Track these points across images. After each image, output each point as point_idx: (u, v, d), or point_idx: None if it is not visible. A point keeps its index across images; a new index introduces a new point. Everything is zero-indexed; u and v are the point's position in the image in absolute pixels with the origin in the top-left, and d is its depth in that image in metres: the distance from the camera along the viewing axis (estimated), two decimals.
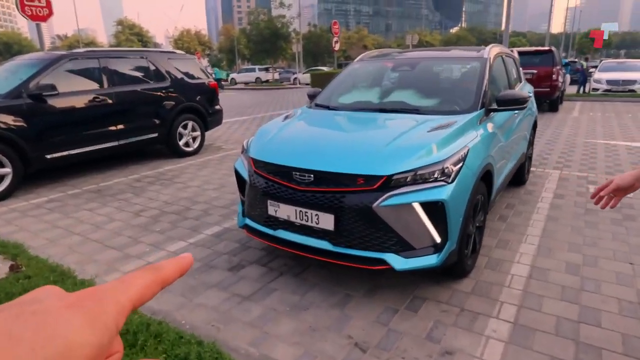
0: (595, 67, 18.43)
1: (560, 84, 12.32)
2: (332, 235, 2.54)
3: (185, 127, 6.98)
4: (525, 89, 4.75)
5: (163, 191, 5.04)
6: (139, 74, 6.32)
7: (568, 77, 17.65)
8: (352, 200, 2.44)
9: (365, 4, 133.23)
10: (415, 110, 3.30)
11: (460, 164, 2.53)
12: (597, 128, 9.04)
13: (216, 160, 6.73)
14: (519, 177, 4.77)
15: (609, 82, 15.81)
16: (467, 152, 2.62)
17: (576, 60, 32.64)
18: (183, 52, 7.44)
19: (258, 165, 2.89)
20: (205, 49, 56.79)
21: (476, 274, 2.92)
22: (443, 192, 2.40)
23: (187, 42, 52.24)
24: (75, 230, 3.86)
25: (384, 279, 2.84)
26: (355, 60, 4.62)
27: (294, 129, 3.32)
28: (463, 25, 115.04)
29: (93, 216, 4.21)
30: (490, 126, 3.16)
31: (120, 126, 5.94)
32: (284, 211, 2.69)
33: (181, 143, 6.94)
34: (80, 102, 5.47)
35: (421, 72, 4.04)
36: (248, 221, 3.01)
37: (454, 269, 2.75)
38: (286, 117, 3.59)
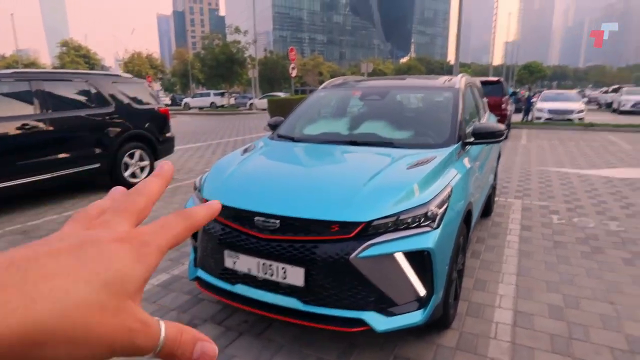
0: (531, 97, 19.90)
1: (509, 112, 12.86)
2: (302, 292, 2.18)
3: (131, 156, 6.41)
4: (491, 120, 4.70)
5: None
6: (78, 99, 5.73)
7: (513, 106, 18.63)
8: (325, 250, 2.11)
9: (319, 32, 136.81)
10: (389, 143, 3.05)
11: (445, 206, 2.27)
12: (546, 156, 9.36)
13: (167, 193, 6.19)
14: (486, 209, 4.65)
15: (550, 111, 16.84)
16: (451, 192, 2.38)
17: (517, 90, 34.83)
18: (130, 76, 6.91)
19: None
20: (157, 72, 55.36)
21: (459, 323, 2.65)
22: (429, 240, 2.12)
23: (137, 66, 50.70)
24: None
25: (361, 337, 2.49)
26: (320, 87, 4.35)
27: (255, 165, 2.96)
28: (412, 55, 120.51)
29: None
30: (467, 160, 2.97)
31: (56, 156, 5.31)
32: (244, 263, 2.31)
33: (127, 174, 6.34)
34: (6, 129, 4.82)
35: (392, 102, 3.84)
36: (201, 273, 2.59)
37: (438, 321, 2.46)
38: (245, 151, 3.22)
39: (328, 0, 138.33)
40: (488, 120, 4.51)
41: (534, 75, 63.47)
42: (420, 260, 2.10)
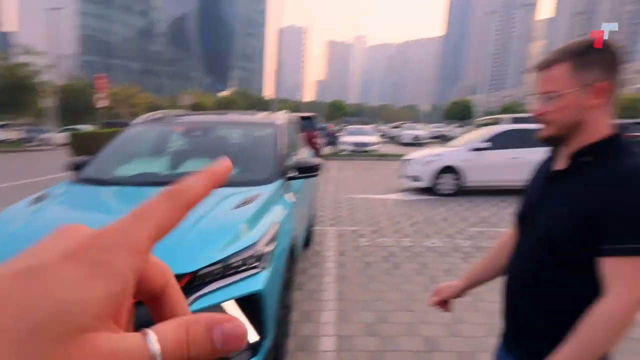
0: (336, 131, 23.35)
1: (320, 146, 14.30)
2: None
3: None
4: (308, 153, 5.09)
5: None
6: None
7: (324, 139, 20.95)
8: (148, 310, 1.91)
9: (134, 60, 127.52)
10: None
11: (274, 244, 2.34)
12: (352, 184, 10.66)
13: None
14: (307, 239, 4.99)
15: (354, 144, 19.62)
16: (278, 229, 2.46)
17: (325, 125, 39.10)
18: None
19: None
20: None
21: None
22: (258, 282, 2.11)
23: None
24: None
25: None
26: (136, 121, 4.00)
27: (50, 217, 2.53)
28: (233, 89, 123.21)
29: None
30: (291, 195, 3.14)
31: None
32: None
33: None
34: None
35: (215, 138, 3.79)
36: None
37: None
38: (38, 200, 2.72)
39: (144, 27, 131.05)
40: (305, 154, 4.89)
41: (339, 112, 72.23)
42: (250, 304, 2.08)
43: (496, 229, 6.13)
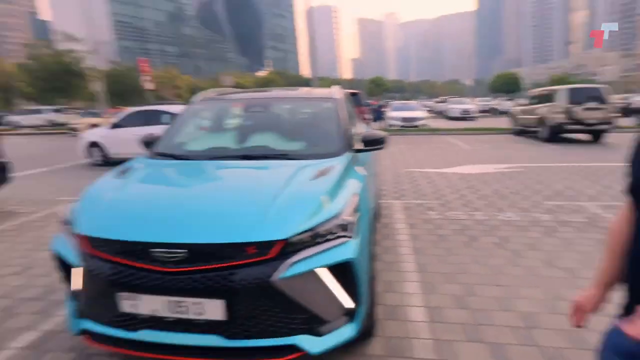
0: (381, 106, 22.75)
1: (368, 121, 14.01)
2: (223, 326, 1.88)
3: None
4: (364, 128, 4.93)
5: None
6: None
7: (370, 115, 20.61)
8: (244, 276, 1.84)
9: (169, 44, 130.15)
10: (283, 156, 2.89)
11: (357, 214, 2.22)
12: (408, 159, 10.36)
13: (11, 232, 4.98)
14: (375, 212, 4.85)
15: (403, 119, 19.13)
16: (359, 200, 2.33)
17: (369, 101, 38.29)
18: None
19: (97, 244, 2.01)
20: None
21: (381, 328, 2.63)
22: (350, 250, 2.01)
23: None
24: None
25: None
26: (197, 99, 3.98)
27: (140, 189, 2.51)
28: (270, 69, 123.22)
29: None
30: (362, 167, 3.00)
31: None
32: (147, 304, 1.90)
33: None
34: None
35: (277, 114, 3.73)
36: (88, 324, 2.07)
37: (364, 331, 2.39)
38: (121, 173, 2.72)
39: (173, 11, 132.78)
40: (364, 128, 4.72)
41: (380, 88, 70.83)
42: (343, 272, 1.99)
43: (573, 202, 5.71)
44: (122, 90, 43.62)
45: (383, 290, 3.17)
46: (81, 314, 2.10)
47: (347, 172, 2.61)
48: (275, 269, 1.85)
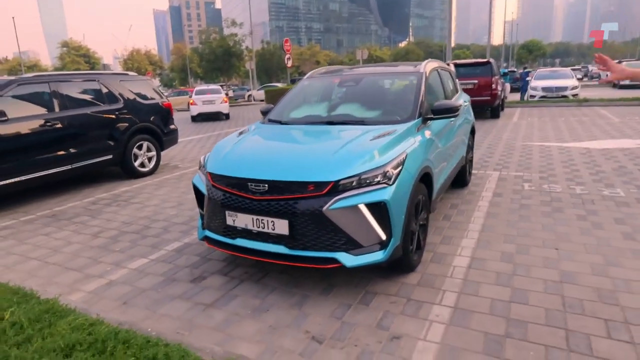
0: (526, 75, 20.16)
1: (499, 92, 13.24)
2: (287, 239, 2.73)
3: (140, 147, 6.97)
4: (461, 99, 5.18)
5: (120, 212, 5.04)
6: (90, 97, 6.29)
7: (508, 85, 18.92)
8: (304, 205, 2.64)
9: (316, 21, 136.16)
10: (360, 122, 3.58)
11: (400, 168, 2.81)
12: (534, 132, 9.81)
13: (173, 179, 6.75)
14: (461, 180, 5.17)
15: (544, 89, 17.16)
16: (406, 157, 2.91)
17: (515, 69, 34.69)
18: (135, 74, 7.48)
19: (215, 179, 3.04)
20: (156, 68, 55.86)
21: (422, 268, 3.19)
22: (385, 194, 2.65)
23: (137, 62, 51.20)
24: (32, 255, 3.82)
25: (339, 278, 3.05)
26: (305, 77, 4.89)
27: (248, 143, 3.50)
28: (411, 39, 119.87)
29: (50, 241, 4.17)
30: (427, 133, 3.49)
31: (73, 150, 5.88)
32: (241, 220, 2.85)
33: (136, 164, 6.91)
34: (30, 127, 5.39)
35: (365, 87, 4.33)
36: (208, 233, 3.15)
37: (401, 265, 3.00)
38: (241, 133, 3.77)
39: None
40: (458, 99, 5.00)
41: (533, 54, 63.13)
42: (379, 210, 2.64)
43: None
44: (268, 67, 48.19)
45: (439, 242, 3.67)
46: (204, 226, 3.20)
47: (406, 135, 3.19)
48: (326, 202, 2.61)
